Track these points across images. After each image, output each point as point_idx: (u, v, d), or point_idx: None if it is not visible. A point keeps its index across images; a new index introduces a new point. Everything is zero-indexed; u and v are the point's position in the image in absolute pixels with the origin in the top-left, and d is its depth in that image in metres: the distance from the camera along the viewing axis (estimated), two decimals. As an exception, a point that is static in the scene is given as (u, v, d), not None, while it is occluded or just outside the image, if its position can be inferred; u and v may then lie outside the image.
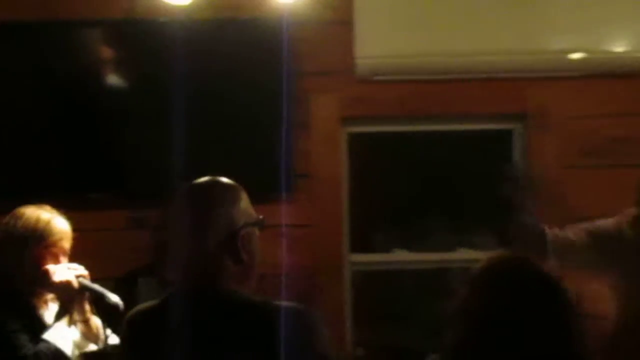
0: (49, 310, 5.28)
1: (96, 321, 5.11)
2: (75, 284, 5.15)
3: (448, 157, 8.07)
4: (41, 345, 5.00)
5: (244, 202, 4.00)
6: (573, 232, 6.02)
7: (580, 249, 6.01)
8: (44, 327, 5.13)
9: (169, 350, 3.90)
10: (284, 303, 4.04)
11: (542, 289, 3.41)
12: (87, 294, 5.13)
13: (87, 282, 5.16)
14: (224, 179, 4.12)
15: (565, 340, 3.36)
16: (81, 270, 5.17)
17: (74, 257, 5.36)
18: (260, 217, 4.22)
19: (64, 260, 5.26)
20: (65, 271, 5.16)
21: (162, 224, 6.60)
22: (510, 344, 3.30)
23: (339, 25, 7.07)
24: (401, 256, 7.87)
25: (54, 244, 5.19)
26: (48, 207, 5.29)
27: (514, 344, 3.30)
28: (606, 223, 6.06)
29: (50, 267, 5.16)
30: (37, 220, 5.19)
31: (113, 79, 7.17)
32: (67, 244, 5.27)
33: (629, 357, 5.92)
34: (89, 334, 5.12)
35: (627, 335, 5.96)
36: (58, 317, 5.20)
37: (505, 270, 3.52)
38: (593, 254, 6.02)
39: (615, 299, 6.14)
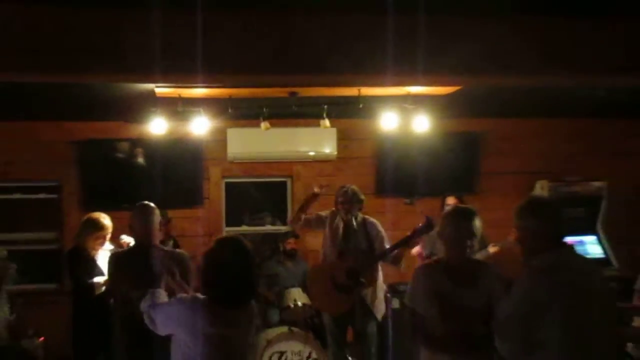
0: (101, 257, 5.53)
1: None
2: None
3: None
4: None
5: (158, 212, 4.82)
6: None
7: None
8: (97, 267, 5.51)
9: (129, 270, 4.60)
10: (177, 250, 5.24)
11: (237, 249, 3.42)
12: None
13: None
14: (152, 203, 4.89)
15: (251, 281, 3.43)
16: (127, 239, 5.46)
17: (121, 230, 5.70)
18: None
19: (107, 239, 5.62)
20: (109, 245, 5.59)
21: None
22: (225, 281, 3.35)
23: (221, 141, 7.88)
24: (246, 229, 8.49)
25: (103, 232, 5.56)
26: (103, 214, 5.65)
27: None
28: None
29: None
30: (96, 219, 5.58)
31: (136, 161, 7.91)
32: (109, 232, 5.59)
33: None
34: None
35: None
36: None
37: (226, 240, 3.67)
38: None
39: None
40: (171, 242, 6.71)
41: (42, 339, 6.78)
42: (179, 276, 3.92)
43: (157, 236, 4.78)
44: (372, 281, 5.80)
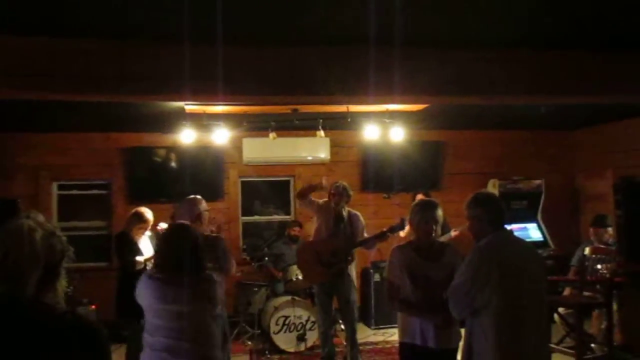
0: (142, 242, 5.41)
1: None
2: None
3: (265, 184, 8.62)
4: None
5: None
6: None
7: None
8: (139, 249, 5.34)
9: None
10: (213, 234, 4.77)
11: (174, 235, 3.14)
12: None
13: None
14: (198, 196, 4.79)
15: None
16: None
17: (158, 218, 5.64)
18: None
19: (148, 229, 5.45)
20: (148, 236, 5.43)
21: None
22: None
23: (238, 148, 7.88)
24: (257, 218, 8.49)
25: (145, 224, 5.41)
26: (148, 209, 5.52)
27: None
28: None
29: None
30: (142, 213, 5.43)
31: (170, 164, 7.89)
32: (150, 224, 5.44)
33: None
34: None
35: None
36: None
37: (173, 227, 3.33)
38: None
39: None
40: None
41: (94, 306, 6.78)
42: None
43: (198, 222, 4.61)
44: (351, 260, 5.80)
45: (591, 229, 6.44)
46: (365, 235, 5.85)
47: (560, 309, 6.02)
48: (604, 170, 8.08)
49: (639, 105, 6.11)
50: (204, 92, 3.95)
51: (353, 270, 5.96)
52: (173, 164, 7.96)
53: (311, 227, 6.82)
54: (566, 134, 8.87)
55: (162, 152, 7.94)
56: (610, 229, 6.21)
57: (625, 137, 7.75)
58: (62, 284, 1.73)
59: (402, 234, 5.99)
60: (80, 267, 7.05)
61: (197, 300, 2.97)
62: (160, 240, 3.18)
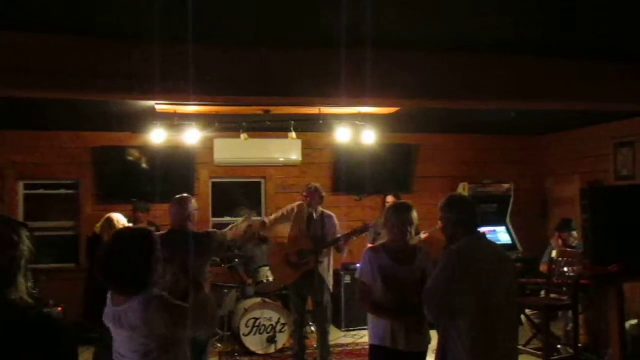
0: None
1: None
2: None
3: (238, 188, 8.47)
4: None
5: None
6: None
7: None
8: None
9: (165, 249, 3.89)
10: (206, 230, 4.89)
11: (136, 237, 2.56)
12: None
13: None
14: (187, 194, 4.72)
15: None
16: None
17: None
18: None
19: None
20: None
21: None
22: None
23: (209, 149, 7.80)
24: (226, 220, 8.03)
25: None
26: (119, 213, 5.33)
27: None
28: None
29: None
30: (115, 222, 5.17)
31: (140, 164, 7.77)
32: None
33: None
34: None
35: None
36: None
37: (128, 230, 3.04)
38: None
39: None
40: (153, 228, 6.49)
41: (61, 308, 6.66)
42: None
43: (188, 222, 4.60)
44: (316, 262, 5.68)
45: (557, 234, 6.51)
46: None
47: (527, 311, 6.10)
48: (572, 175, 8.23)
49: (607, 111, 6.23)
50: (175, 91, 3.91)
51: (329, 272, 5.92)
52: (143, 164, 7.81)
53: (281, 230, 6.79)
54: (536, 139, 9.03)
55: (132, 151, 7.84)
56: (574, 232, 6.31)
57: (593, 143, 7.90)
58: (27, 280, 1.73)
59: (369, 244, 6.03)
60: (48, 268, 7.03)
61: (143, 325, 2.42)
62: (105, 250, 2.63)
